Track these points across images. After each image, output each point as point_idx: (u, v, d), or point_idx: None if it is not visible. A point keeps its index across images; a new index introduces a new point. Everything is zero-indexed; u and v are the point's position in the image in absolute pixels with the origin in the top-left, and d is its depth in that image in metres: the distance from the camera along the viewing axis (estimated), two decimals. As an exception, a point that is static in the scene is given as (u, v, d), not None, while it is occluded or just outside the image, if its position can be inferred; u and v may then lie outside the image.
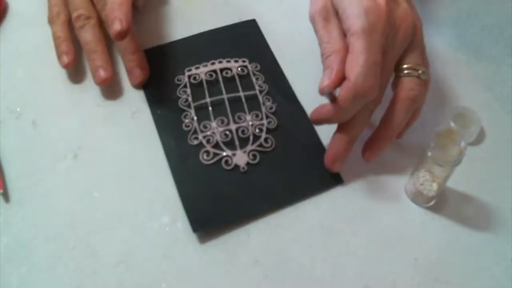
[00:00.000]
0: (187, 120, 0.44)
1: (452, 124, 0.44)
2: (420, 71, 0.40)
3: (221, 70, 0.48)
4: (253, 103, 0.46)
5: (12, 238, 0.39)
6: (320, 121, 0.41)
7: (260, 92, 0.47)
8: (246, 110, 0.45)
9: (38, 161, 0.43)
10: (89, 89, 0.48)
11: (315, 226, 0.40)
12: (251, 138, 0.44)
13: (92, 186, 0.42)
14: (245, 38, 0.51)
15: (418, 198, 0.41)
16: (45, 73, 0.49)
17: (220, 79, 0.47)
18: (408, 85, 0.40)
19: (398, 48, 0.39)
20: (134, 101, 0.47)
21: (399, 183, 0.42)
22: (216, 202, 0.41)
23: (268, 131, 0.44)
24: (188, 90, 0.46)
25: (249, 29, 0.52)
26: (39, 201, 0.41)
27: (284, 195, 0.41)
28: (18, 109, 0.46)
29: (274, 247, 0.39)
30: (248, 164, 0.42)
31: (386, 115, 0.41)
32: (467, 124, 0.44)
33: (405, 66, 0.40)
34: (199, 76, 0.47)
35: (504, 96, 0.48)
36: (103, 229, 0.40)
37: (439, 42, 0.52)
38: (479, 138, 0.45)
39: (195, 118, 0.44)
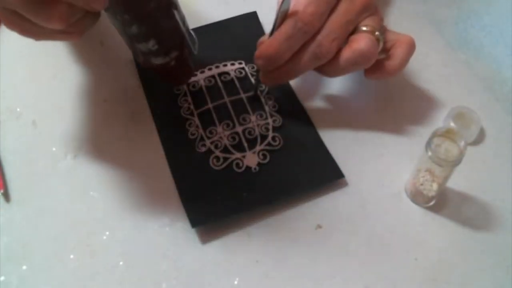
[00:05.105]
0: (192, 128, 0.44)
1: (452, 124, 0.44)
2: (377, 32, 0.41)
3: (219, 74, 0.48)
4: (256, 104, 0.46)
5: (12, 238, 0.39)
6: (262, 59, 0.41)
7: (261, 92, 0.47)
8: (250, 111, 0.45)
9: (38, 161, 0.43)
10: (89, 89, 0.48)
11: (315, 226, 0.40)
12: (258, 138, 0.44)
13: (92, 186, 0.42)
14: (245, 33, 0.51)
15: (418, 198, 0.41)
16: (45, 73, 0.49)
17: (220, 83, 0.47)
18: (363, 36, 0.41)
19: (356, 9, 0.41)
20: (134, 101, 0.47)
21: (399, 183, 0.42)
22: (217, 199, 0.40)
23: (274, 129, 0.44)
24: (189, 99, 0.46)
25: (250, 22, 0.52)
26: (39, 201, 0.41)
27: (287, 191, 0.41)
28: (18, 109, 0.46)
29: (274, 247, 0.39)
30: (259, 164, 0.42)
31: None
32: (467, 124, 0.44)
33: (363, 27, 0.41)
34: (198, 83, 0.47)
35: (504, 96, 0.48)
36: (103, 229, 0.40)
37: (439, 42, 0.52)
38: (479, 138, 0.45)
39: (200, 125, 0.44)
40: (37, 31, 0.33)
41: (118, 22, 0.38)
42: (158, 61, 0.41)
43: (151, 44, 0.39)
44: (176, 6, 0.40)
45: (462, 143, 0.36)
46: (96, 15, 0.36)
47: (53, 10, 0.31)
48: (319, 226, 0.40)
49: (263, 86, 0.47)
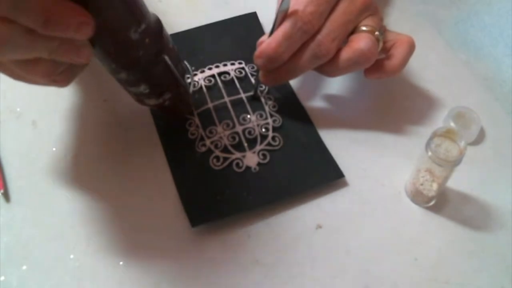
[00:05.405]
0: (192, 128, 0.44)
1: (452, 124, 0.44)
2: (377, 32, 0.41)
3: (219, 74, 0.48)
4: (256, 104, 0.46)
5: (12, 238, 0.39)
6: (262, 59, 0.41)
7: (261, 92, 0.47)
8: (250, 111, 0.45)
9: (38, 161, 0.43)
10: (89, 89, 0.48)
11: (315, 226, 0.40)
12: (258, 138, 0.44)
13: (92, 186, 0.42)
14: (245, 33, 0.51)
15: (418, 198, 0.41)
16: (45, 73, 0.49)
17: (219, 83, 0.47)
18: (363, 36, 0.41)
19: (356, 9, 0.41)
20: (134, 101, 0.47)
21: (399, 183, 0.42)
22: (217, 199, 0.40)
23: (274, 129, 0.44)
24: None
25: (250, 22, 0.52)
26: (39, 201, 0.41)
27: (287, 191, 0.41)
28: (18, 109, 0.46)
29: (274, 247, 0.39)
30: (259, 164, 0.42)
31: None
32: (467, 124, 0.44)
33: (363, 27, 0.42)
34: (198, 83, 0.47)
35: (504, 96, 0.48)
36: (103, 229, 0.40)
37: (439, 42, 0.52)
38: (479, 138, 0.45)
39: (200, 125, 0.44)
40: (27, 79, 0.33)
41: (106, 69, 0.37)
42: (151, 102, 0.40)
43: (142, 88, 0.38)
44: (168, 50, 0.38)
45: (462, 143, 0.36)
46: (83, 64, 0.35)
47: (37, 66, 0.31)
48: (319, 226, 0.40)
49: (263, 86, 0.47)
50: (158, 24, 0.36)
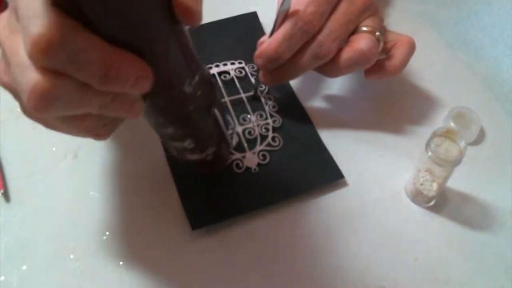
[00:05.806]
0: None
1: (452, 124, 0.44)
2: (378, 33, 0.42)
3: (219, 73, 0.48)
4: (256, 104, 0.46)
5: (12, 238, 0.39)
6: (262, 59, 0.41)
7: (261, 92, 0.47)
8: (250, 111, 0.45)
9: (38, 161, 0.43)
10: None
11: (315, 226, 0.40)
12: (258, 138, 0.44)
13: (92, 186, 0.42)
14: (245, 33, 0.51)
15: (418, 198, 0.41)
16: (45, 73, 0.49)
17: (220, 83, 0.47)
18: (364, 36, 0.41)
19: (356, 10, 0.41)
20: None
21: (399, 183, 0.42)
22: (217, 200, 0.40)
23: (274, 130, 0.44)
24: None
25: (250, 22, 0.52)
26: (39, 201, 0.41)
27: (287, 191, 0.41)
28: (18, 109, 0.46)
29: (274, 247, 0.39)
30: (259, 164, 0.42)
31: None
32: (467, 124, 0.44)
33: (364, 28, 0.42)
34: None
35: (504, 96, 0.48)
36: (103, 229, 0.40)
37: (439, 42, 0.53)
38: (479, 138, 0.45)
39: None
40: (64, 131, 0.29)
41: (151, 123, 0.34)
42: (193, 157, 0.37)
43: (187, 143, 0.35)
44: (218, 103, 0.35)
45: (462, 143, 0.36)
46: None
47: (83, 122, 0.27)
48: (319, 226, 0.40)
49: (263, 86, 0.47)
50: (209, 75, 0.34)
